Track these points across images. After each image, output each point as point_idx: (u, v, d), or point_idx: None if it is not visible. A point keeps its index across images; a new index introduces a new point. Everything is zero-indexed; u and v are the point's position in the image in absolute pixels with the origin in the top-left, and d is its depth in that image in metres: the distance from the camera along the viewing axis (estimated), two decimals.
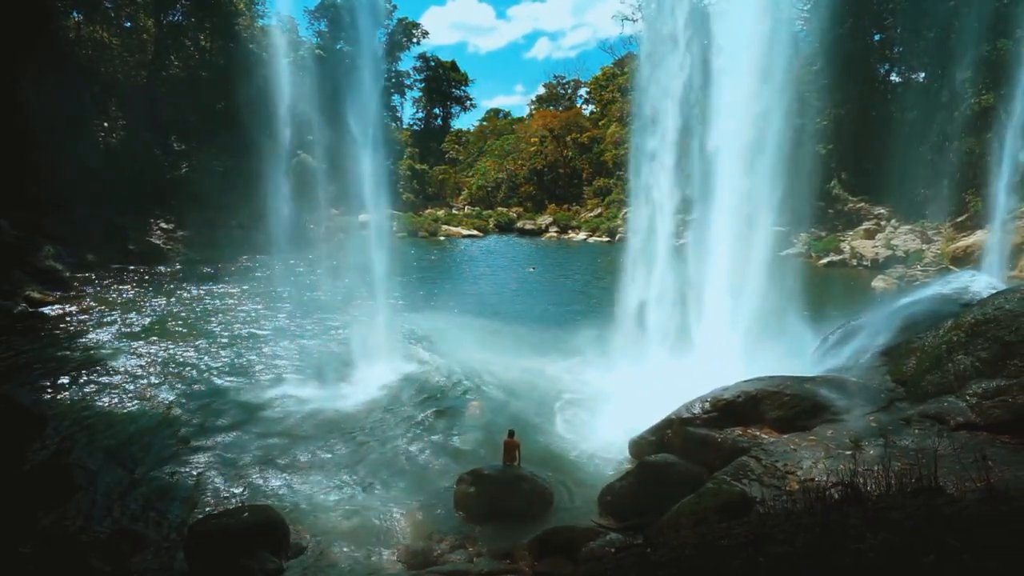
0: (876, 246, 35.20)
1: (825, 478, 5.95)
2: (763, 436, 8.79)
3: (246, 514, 7.71)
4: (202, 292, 24.83)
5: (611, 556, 3.43)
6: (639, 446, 10.37)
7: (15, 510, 8.52)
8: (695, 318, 14.47)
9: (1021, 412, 6.95)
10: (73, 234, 28.24)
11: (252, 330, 19.16)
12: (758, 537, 2.93)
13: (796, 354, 13.58)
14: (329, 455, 10.66)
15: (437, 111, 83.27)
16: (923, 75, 40.86)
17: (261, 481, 9.61)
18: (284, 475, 9.80)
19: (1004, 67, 30.02)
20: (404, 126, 78.93)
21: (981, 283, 12.35)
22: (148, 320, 19.82)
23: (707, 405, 9.68)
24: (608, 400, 13.22)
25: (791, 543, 2.69)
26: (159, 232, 34.72)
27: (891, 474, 3.77)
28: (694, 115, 16.05)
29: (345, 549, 7.81)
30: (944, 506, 2.80)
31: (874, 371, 10.00)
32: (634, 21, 60.80)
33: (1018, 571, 2.02)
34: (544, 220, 58.91)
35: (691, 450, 9.28)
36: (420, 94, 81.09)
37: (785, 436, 8.61)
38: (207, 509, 8.64)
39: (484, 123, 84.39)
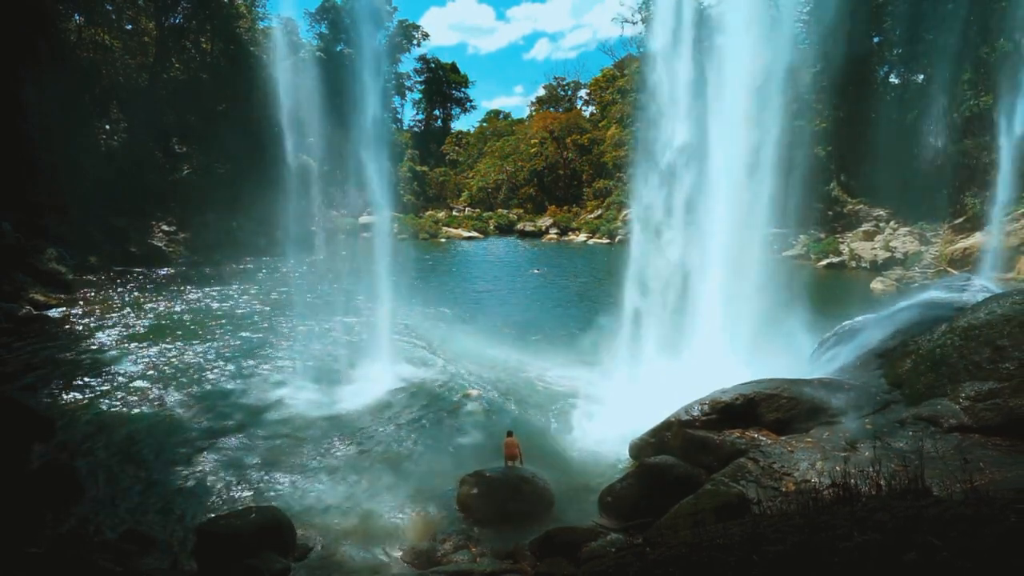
0: (875, 248, 35.36)
1: (820, 480, 6.08)
2: (761, 438, 8.92)
3: (253, 515, 7.82)
4: (204, 294, 24.96)
5: (611, 555, 3.57)
6: (639, 448, 10.51)
7: (24, 512, 8.65)
8: (695, 321, 14.60)
9: (1012, 414, 7.08)
10: (74, 236, 28.39)
11: (254, 332, 19.30)
12: (752, 537, 3.06)
13: (794, 356, 13.72)
14: (333, 457, 10.80)
15: (437, 113, 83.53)
16: (922, 77, 41.02)
17: (267, 482, 9.75)
18: (289, 476, 9.94)
19: (1003, 69, 30.21)
20: (404, 128, 79.11)
21: (976, 287, 12.50)
22: (151, 322, 19.97)
23: (706, 407, 9.82)
24: (608, 402, 13.36)
25: (783, 542, 2.82)
26: (160, 234, 34.87)
27: (881, 476, 3.91)
28: (694, 116, 16.19)
29: (351, 549, 7.95)
30: (929, 507, 2.94)
31: (870, 374, 10.14)
32: (634, 23, 60.96)
33: (990, 567, 2.15)
34: (544, 222, 59.08)
35: (690, 452, 9.42)
36: (420, 96, 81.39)
37: (782, 438, 8.74)
38: (214, 510, 8.77)
39: (484, 124, 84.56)
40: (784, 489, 6.74)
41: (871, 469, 4.28)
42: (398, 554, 7.91)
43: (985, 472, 5.85)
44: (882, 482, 3.93)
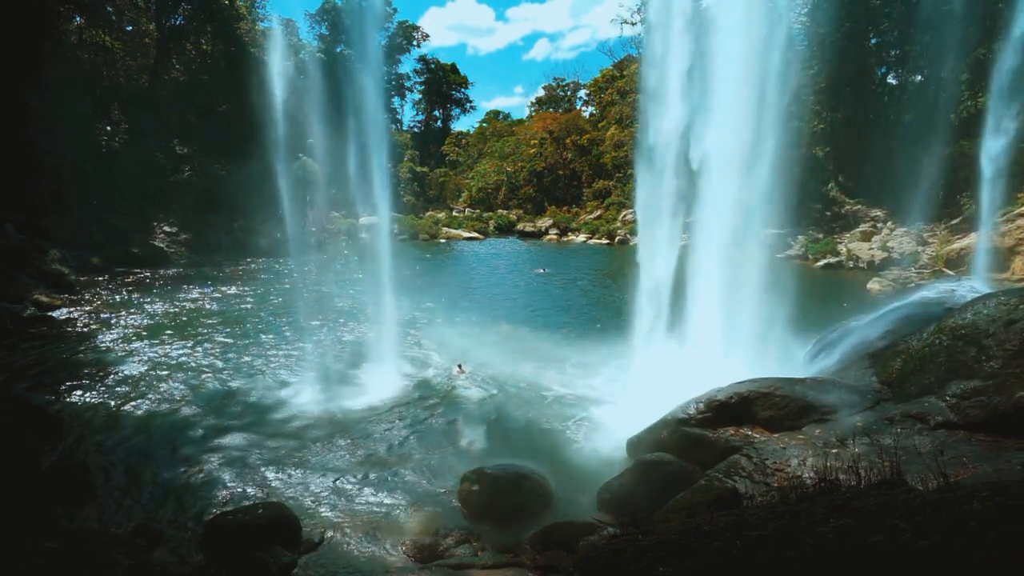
0: (872, 248, 35.62)
1: (808, 474, 6.30)
2: (755, 435, 9.14)
3: (260, 510, 8.04)
4: (206, 295, 25.18)
5: (606, 542, 3.80)
6: (636, 445, 10.72)
7: (36, 509, 8.85)
8: (693, 320, 14.81)
9: (996, 411, 7.30)
10: (76, 237, 28.64)
11: (257, 332, 19.52)
12: (737, 524, 3.29)
13: (789, 356, 13.96)
14: (337, 455, 11.02)
15: (437, 113, 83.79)
16: (919, 78, 41.28)
17: (272, 479, 9.97)
18: (294, 474, 10.15)
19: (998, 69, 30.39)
20: (404, 128, 79.36)
21: (965, 287, 12.75)
22: (154, 322, 20.18)
23: (701, 406, 10.03)
24: (607, 401, 13.59)
25: (764, 527, 3.05)
26: (162, 235, 35.11)
27: (863, 469, 4.13)
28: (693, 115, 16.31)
29: (355, 544, 8.16)
30: (901, 495, 3.16)
31: (862, 372, 10.36)
32: (633, 24, 61.19)
33: (944, 543, 2.38)
34: (544, 222, 59.33)
35: (686, 449, 9.63)
36: (420, 96, 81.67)
37: (776, 435, 8.95)
38: (221, 506, 8.99)
39: (484, 125, 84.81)
40: (775, 484, 6.96)
41: (853, 463, 4.50)
42: (401, 548, 8.12)
43: (968, 466, 6.07)
44: (863, 475, 4.16)
